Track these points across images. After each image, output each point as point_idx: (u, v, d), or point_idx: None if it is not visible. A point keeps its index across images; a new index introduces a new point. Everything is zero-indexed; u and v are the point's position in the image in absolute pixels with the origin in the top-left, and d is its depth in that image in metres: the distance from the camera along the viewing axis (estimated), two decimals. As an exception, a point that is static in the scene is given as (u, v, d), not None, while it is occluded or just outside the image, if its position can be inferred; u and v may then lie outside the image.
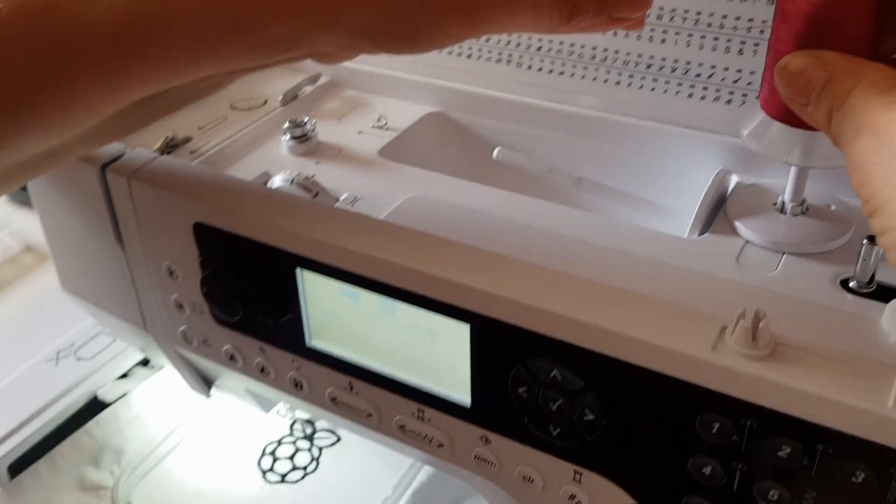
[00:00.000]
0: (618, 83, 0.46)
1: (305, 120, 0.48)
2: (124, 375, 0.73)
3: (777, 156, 0.35)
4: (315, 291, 0.41)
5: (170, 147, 0.49)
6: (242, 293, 0.42)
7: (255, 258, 0.41)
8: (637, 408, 0.32)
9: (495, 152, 0.46)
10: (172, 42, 0.30)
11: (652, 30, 0.44)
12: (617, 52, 0.45)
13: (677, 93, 0.44)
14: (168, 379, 0.72)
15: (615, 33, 0.45)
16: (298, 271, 0.40)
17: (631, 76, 0.45)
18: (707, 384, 0.30)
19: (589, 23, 0.33)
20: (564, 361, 0.33)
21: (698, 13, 0.43)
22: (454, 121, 0.52)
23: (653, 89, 0.45)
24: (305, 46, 0.33)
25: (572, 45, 0.46)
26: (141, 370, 0.74)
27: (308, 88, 0.55)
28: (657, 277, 0.36)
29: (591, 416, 0.34)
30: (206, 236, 0.43)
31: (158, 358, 0.59)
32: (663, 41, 0.44)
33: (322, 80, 0.56)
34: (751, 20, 0.41)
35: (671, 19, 0.43)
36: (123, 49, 0.29)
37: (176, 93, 0.34)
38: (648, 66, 0.44)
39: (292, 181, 0.44)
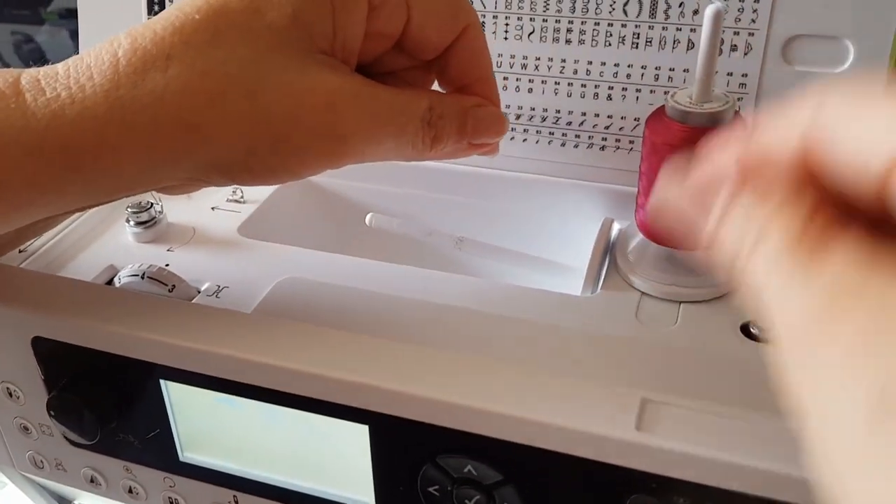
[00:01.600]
0: (487, 136, 0.44)
1: (150, 202, 0.43)
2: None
3: (659, 277, 0.37)
4: (184, 402, 0.36)
5: (-8, 248, 0.42)
6: (98, 412, 0.37)
7: (108, 373, 0.36)
8: (562, 497, 0.30)
9: (368, 218, 0.42)
10: None
11: (518, 79, 0.42)
12: (483, 103, 0.43)
13: (549, 142, 0.43)
14: (15, 496, 0.63)
15: (479, 84, 0.43)
16: (163, 383, 0.35)
17: (500, 128, 0.43)
18: (635, 465, 0.28)
19: (450, 149, 0.33)
20: (478, 455, 0.30)
21: (563, 60, 0.41)
22: (318, 185, 0.48)
23: (524, 140, 0.43)
24: (151, 182, 0.30)
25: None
26: (-20, 488, 0.65)
27: (149, 163, 0.50)
28: (558, 344, 0.34)
29: (512, 510, 0.31)
30: (47, 352, 0.37)
31: None
32: (530, 90, 0.42)
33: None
34: (616, 65, 0.40)
35: (536, 68, 0.42)
36: None
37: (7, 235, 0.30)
38: (517, 117, 0.43)
39: (143, 275, 0.39)
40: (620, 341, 0.34)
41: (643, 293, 0.37)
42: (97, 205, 0.31)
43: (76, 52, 0.30)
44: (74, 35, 0.51)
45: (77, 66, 0.28)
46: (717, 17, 0.32)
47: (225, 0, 0.29)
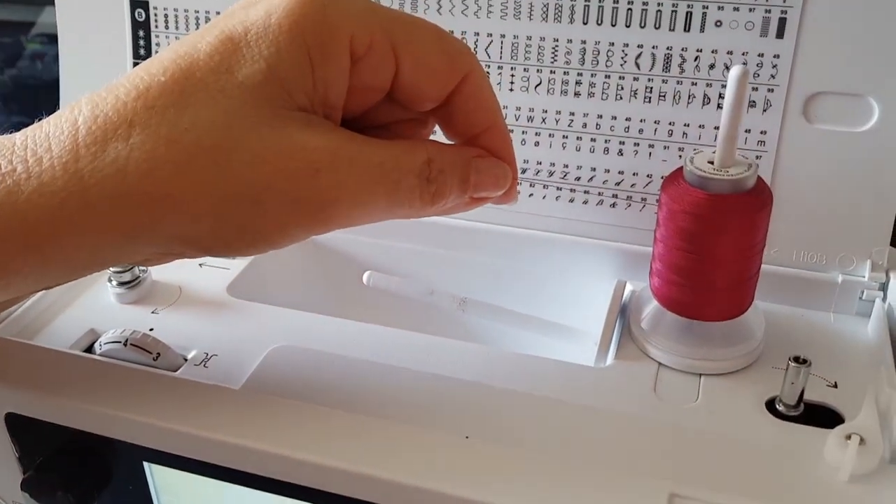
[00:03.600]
0: (491, 190, 0.42)
1: (135, 260, 0.41)
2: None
3: (677, 349, 0.35)
4: (170, 486, 0.34)
5: (-37, 310, 0.40)
6: (76, 494, 0.34)
7: (88, 453, 0.34)
8: None
9: (365, 277, 0.40)
10: None
11: (524, 132, 0.40)
12: (487, 156, 0.41)
13: (557, 198, 0.41)
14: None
15: (482, 136, 0.41)
16: (146, 465, 0.33)
17: (505, 182, 0.41)
18: (664, 570, 0.26)
19: (451, 205, 0.31)
20: (492, 554, 0.28)
21: (571, 113, 0.39)
22: (312, 240, 0.46)
23: (530, 195, 0.41)
24: (118, 259, 0.28)
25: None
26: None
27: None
28: (573, 424, 0.32)
29: None
30: (22, 430, 0.34)
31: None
32: (536, 144, 0.40)
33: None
34: (628, 119, 0.39)
35: (543, 121, 0.40)
36: None
37: None
38: (523, 171, 0.41)
39: (125, 342, 0.36)
40: (640, 421, 0.32)
41: (660, 364, 0.35)
42: (64, 282, 0.29)
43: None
44: (56, 60, 0.49)
45: (35, 135, 0.26)
46: (743, 79, 0.30)
47: (193, 59, 0.27)
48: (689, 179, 0.32)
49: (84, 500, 0.34)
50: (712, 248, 0.32)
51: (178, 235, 0.27)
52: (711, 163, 0.32)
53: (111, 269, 0.40)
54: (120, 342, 0.36)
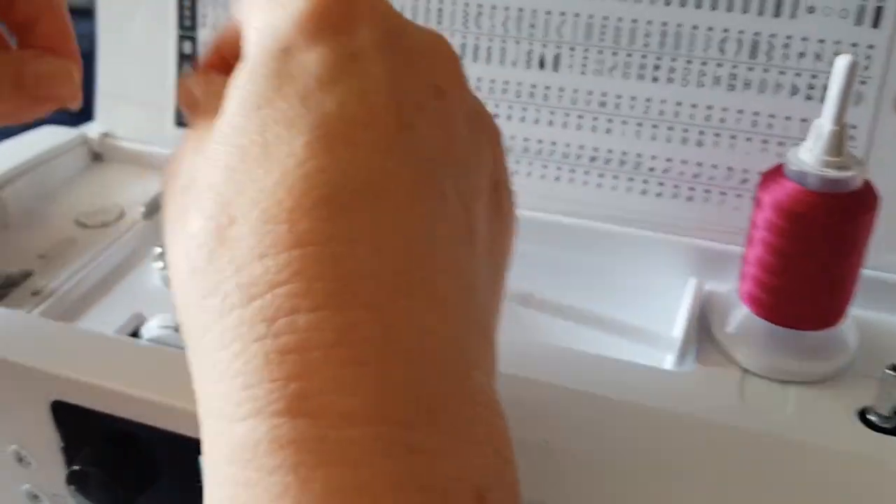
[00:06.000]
0: (557, 179, 0.40)
1: (182, 241, 0.39)
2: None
3: (768, 356, 0.33)
4: (226, 483, 0.32)
5: (3, 288, 0.38)
6: (124, 487, 0.32)
7: (139, 444, 0.32)
8: None
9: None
10: None
11: (595, 118, 0.38)
12: (554, 143, 0.39)
13: (628, 190, 0.39)
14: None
15: (549, 122, 0.39)
16: (202, 459, 0.31)
17: (573, 171, 0.39)
18: None
19: (11, 105, 0.29)
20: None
21: (648, 100, 0.37)
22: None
23: (599, 185, 0.39)
24: None
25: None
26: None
27: (175, 191, 0.45)
28: (658, 431, 0.30)
29: None
30: (69, 418, 0.33)
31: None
32: (608, 131, 0.38)
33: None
34: (709, 107, 0.37)
35: (616, 107, 0.38)
36: None
37: None
38: (592, 160, 0.39)
39: (176, 327, 0.35)
40: (727, 431, 0.30)
41: (745, 370, 0.33)
42: None
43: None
44: (85, 37, 0.47)
45: None
46: (852, 70, 0.28)
47: None
48: (792, 176, 0.30)
49: (132, 494, 0.33)
50: (814, 252, 0.30)
51: None
52: (816, 159, 0.30)
53: (158, 248, 0.38)
54: (172, 327, 0.35)
